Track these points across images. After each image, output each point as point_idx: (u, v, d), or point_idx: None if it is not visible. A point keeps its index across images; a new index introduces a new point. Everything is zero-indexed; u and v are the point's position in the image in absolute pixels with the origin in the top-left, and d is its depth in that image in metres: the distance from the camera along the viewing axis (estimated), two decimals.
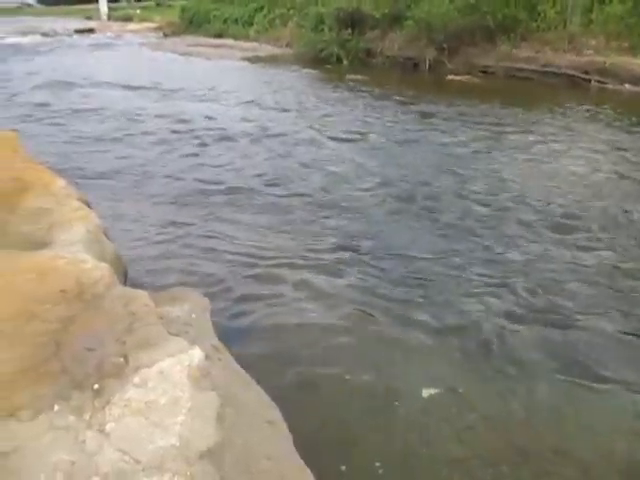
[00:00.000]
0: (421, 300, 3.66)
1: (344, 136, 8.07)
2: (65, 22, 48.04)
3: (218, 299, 3.37)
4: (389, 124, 9.03)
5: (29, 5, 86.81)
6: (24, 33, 32.56)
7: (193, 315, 2.42)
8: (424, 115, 9.70)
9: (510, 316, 3.47)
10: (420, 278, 3.95)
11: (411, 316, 3.47)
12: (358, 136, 8.08)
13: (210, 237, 4.56)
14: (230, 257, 4.17)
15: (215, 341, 2.39)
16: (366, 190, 5.80)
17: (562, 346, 3.21)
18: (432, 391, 2.81)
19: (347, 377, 2.88)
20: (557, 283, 3.88)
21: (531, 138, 8.03)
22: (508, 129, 8.55)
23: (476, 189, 5.81)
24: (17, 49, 22.59)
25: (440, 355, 3.14)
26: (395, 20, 17.69)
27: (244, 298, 3.59)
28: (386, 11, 17.84)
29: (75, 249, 2.82)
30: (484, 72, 14.90)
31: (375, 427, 2.59)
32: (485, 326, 3.37)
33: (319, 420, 2.61)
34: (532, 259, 4.24)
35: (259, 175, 6.22)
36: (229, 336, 2.79)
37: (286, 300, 3.58)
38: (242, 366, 2.41)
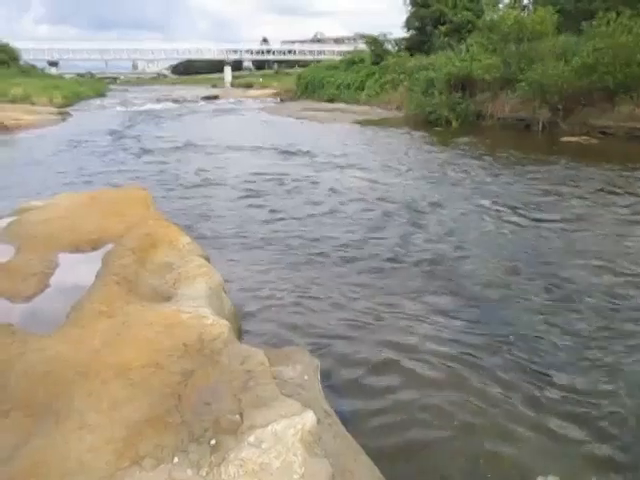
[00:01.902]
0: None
1: (459, 203, 7.81)
2: (194, 90, 53.25)
3: (329, 361, 3.36)
4: (504, 189, 8.70)
5: (164, 75, 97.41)
6: (158, 100, 36.42)
7: (305, 377, 2.45)
8: (541, 179, 9.31)
9: None
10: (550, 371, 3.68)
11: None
12: (473, 206, 7.68)
13: (324, 298, 4.57)
14: (344, 320, 4.15)
15: (326, 405, 2.40)
16: (489, 270, 5.25)
17: None
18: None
19: (461, 450, 2.71)
20: None
21: None
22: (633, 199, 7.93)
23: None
24: (151, 114, 25.19)
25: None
26: (506, 82, 17.61)
27: (354, 363, 3.52)
28: (497, 74, 17.81)
29: (197, 304, 2.99)
30: (603, 133, 14.25)
31: None
32: None
33: None
34: None
35: (374, 238, 6.20)
36: (338, 400, 2.77)
37: (399, 368, 3.45)
38: (351, 433, 2.37)
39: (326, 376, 2.99)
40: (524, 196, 8.19)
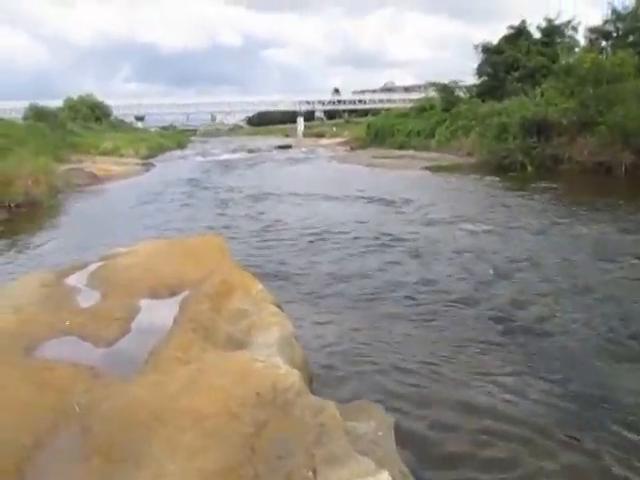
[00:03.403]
0: None
1: (552, 256, 7.23)
2: (267, 140, 55.45)
3: (403, 418, 3.23)
4: (599, 239, 8.14)
5: (240, 126, 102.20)
6: (234, 150, 38.13)
7: (379, 433, 2.37)
8: (628, 230, 8.62)
9: None
10: None
11: None
12: (555, 257, 7.13)
13: (398, 350, 4.42)
14: (418, 374, 3.97)
15: (402, 466, 2.29)
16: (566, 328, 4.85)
17: None
18: None
19: None
20: None
21: None
22: None
23: None
24: (227, 164, 26.33)
25: None
26: (584, 126, 17.09)
27: (429, 421, 3.33)
28: (574, 118, 17.33)
29: (270, 352, 3.00)
30: None
31: None
32: None
33: None
34: None
35: (445, 290, 5.94)
36: (414, 461, 2.64)
37: (484, 431, 3.21)
38: None
39: (400, 434, 2.86)
40: (623, 247, 7.55)
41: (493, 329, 4.86)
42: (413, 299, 5.69)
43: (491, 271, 6.59)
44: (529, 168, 17.44)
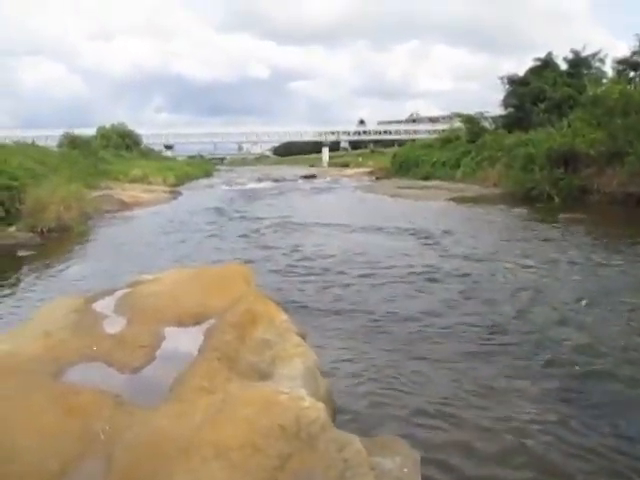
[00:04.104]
0: None
1: (590, 294, 6.80)
2: (293, 169, 56.03)
3: (429, 453, 3.14)
4: (621, 274, 7.90)
5: (266, 156, 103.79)
6: (260, 179, 38.62)
7: (405, 469, 2.32)
8: None
9: None
10: None
11: None
12: (608, 297, 6.71)
13: (424, 385, 4.28)
14: (446, 410, 3.83)
15: None
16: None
17: None
18: None
19: None
20: None
21: None
22: None
23: None
24: (253, 193, 26.65)
25: None
26: (613, 156, 16.90)
27: (459, 462, 3.19)
28: (603, 148, 17.16)
29: (294, 384, 2.98)
30: None
31: None
32: None
33: None
34: None
35: (473, 325, 5.73)
36: None
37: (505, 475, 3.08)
38: None
39: (427, 471, 2.78)
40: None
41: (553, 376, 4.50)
42: (458, 337, 5.47)
43: (546, 313, 6.11)
44: (556, 199, 17.26)
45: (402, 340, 5.36)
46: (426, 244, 10.86)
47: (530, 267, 8.46)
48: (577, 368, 4.57)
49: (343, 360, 4.87)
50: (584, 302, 6.41)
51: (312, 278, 8.12)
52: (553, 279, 7.74)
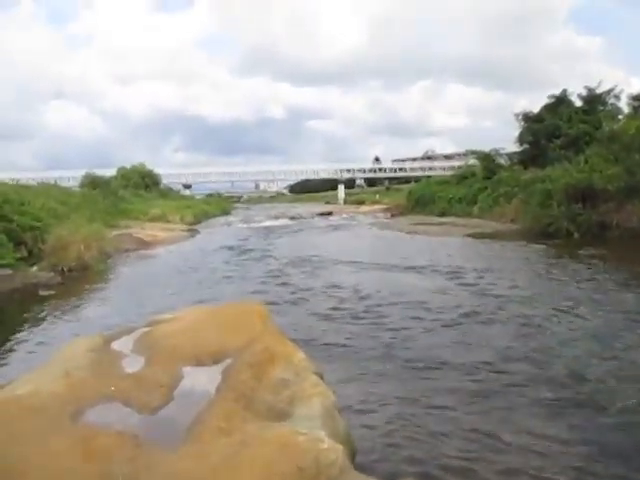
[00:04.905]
0: None
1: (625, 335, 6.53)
2: (309, 207, 56.37)
3: None
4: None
5: (283, 194, 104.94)
6: (276, 217, 38.91)
7: None
8: None
9: None
10: None
11: None
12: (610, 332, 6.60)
13: (445, 426, 4.17)
14: (468, 454, 3.71)
15: None
16: None
17: None
18: None
19: None
20: None
21: None
22: None
23: None
24: (269, 231, 26.83)
25: None
26: (632, 191, 16.81)
27: None
28: (622, 184, 17.09)
29: (312, 425, 2.94)
30: None
31: None
32: None
33: None
34: None
35: (499, 371, 5.48)
36: None
37: None
38: None
39: None
40: None
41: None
42: (461, 370, 5.44)
43: (611, 363, 5.70)
44: (575, 235, 17.12)
45: (466, 393, 4.98)
46: (460, 284, 10.38)
47: (572, 309, 7.98)
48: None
49: (366, 402, 4.80)
50: (614, 346, 6.06)
51: (332, 316, 8.00)
52: (604, 323, 7.23)
